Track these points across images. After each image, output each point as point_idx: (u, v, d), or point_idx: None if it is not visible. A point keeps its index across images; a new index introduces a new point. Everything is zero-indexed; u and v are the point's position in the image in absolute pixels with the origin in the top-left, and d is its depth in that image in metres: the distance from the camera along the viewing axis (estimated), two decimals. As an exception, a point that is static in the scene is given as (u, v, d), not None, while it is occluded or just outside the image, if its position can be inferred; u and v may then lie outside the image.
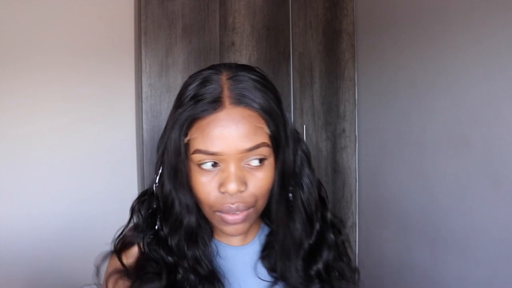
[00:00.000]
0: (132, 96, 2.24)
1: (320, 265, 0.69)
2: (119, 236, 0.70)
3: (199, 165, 0.61)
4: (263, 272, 0.70)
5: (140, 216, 0.69)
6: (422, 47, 1.74)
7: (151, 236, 0.66)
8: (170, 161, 0.63)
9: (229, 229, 0.63)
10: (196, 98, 0.60)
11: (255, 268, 0.70)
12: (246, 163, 0.61)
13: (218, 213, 0.62)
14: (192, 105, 0.60)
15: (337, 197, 2.22)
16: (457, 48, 1.56)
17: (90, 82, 2.19)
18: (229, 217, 0.62)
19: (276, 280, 0.69)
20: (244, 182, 0.61)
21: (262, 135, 0.61)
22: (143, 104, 1.94)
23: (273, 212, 0.67)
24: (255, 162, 0.61)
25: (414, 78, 1.80)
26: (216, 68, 0.64)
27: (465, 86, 1.53)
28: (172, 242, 0.65)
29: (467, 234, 1.53)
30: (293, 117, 2.12)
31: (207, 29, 2.00)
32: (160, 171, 0.66)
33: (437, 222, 1.68)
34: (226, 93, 0.61)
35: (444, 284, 1.64)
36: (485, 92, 1.45)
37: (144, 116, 1.94)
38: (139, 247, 0.67)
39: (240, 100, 0.60)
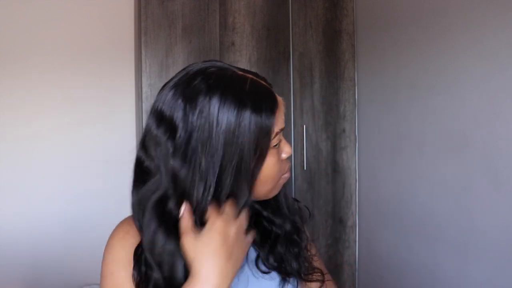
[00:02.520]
0: (132, 96, 2.24)
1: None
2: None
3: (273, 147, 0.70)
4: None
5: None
6: (422, 47, 1.74)
7: None
8: (246, 158, 0.66)
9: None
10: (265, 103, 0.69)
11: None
12: None
13: (283, 176, 0.74)
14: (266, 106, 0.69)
15: (337, 197, 2.22)
16: (457, 48, 1.56)
17: (90, 82, 2.19)
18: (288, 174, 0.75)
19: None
20: None
21: None
22: (143, 104, 1.94)
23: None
24: None
25: (414, 78, 1.80)
26: (250, 73, 0.72)
27: (465, 86, 1.53)
28: None
29: (467, 234, 1.54)
30: (293, 117, 2.12)
31: (207, 29, 2.00)
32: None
33: (437, 222, 1.68)
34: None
35: (444, 284, 1.64)
36: (485, 92, 1.45)
37: (144, 116, 1.94)
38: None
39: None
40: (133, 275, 0.68)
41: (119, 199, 2.24)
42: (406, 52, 1.84)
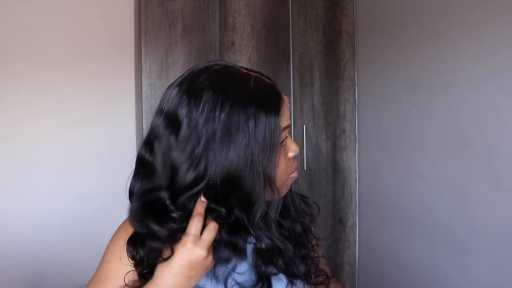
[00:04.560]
0: (132, 96, 2.24)
1: None
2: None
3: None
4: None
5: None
6: (422, 47, 1.74)
7: None
8: (255, 154, 0.66)
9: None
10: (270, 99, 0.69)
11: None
12: None
13: (290, 176, 0.73)
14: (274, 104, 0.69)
15: (337, 197, 2.22)
16: (457, 48, 1.56)
17: (90, 82, 2.19)
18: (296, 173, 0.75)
19: None
20: None
21: None
22: (143, 104, 1.94)
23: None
24: None
25: (414, 78, 1.80)
26: (254, 72, 0.72)
27: (465, 86, 1.53)
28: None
29: (467, 234, 1.53)
30: (293, 117, 2.12)
31: (207, 29, 2.00)
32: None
33: (437, 222, 1.68)
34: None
35: (444, 284, 1.64)
36: (485, 92, 1.45)
37: (144, 116, 1.94)
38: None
39: None
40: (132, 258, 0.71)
41: (118, 198, 2.25)
42: (406, 52, 1.84)
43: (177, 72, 1.97)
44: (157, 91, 1.95)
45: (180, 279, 0.66)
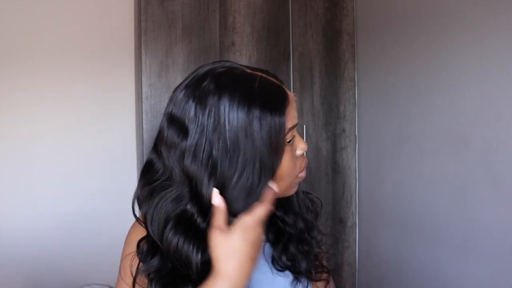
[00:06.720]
0: (132, 96, 2.24)
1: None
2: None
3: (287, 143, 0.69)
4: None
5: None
6: (422, 47, 1.74)
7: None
8: (264, 156, 0.66)
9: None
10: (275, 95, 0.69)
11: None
12: None
13: (299, 175, 0.73)
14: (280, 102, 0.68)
15: (337, 197, 2.22)
16: (457, 48, 1.56)
17: (90, 82, 2.19)
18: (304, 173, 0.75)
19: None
20: None
21: None
22: (143, 104, 1.94)
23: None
24: None
25: (414, 78, 1.80)
26: (261, 71, 0.71)
27: (465, 86, 1.53)
28: None
29: (467, 234, 1.54)
30: (293, 117, 2.12)
31: (207, 29, 2.00)
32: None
33: (437, 222, 1.68)
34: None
35: (444, 284, 1.64)
36: (485, 92, 1.45)
37: (144, 116, 1.94)
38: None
39: None
40: (140, 268, 0.70)
41: (119, 199, 2.26)
42: (406, 52, 1.84)
43: (177, 72, 1.97)
44: (157, 91, 1.95)
45: (247, 264, 0.64)
